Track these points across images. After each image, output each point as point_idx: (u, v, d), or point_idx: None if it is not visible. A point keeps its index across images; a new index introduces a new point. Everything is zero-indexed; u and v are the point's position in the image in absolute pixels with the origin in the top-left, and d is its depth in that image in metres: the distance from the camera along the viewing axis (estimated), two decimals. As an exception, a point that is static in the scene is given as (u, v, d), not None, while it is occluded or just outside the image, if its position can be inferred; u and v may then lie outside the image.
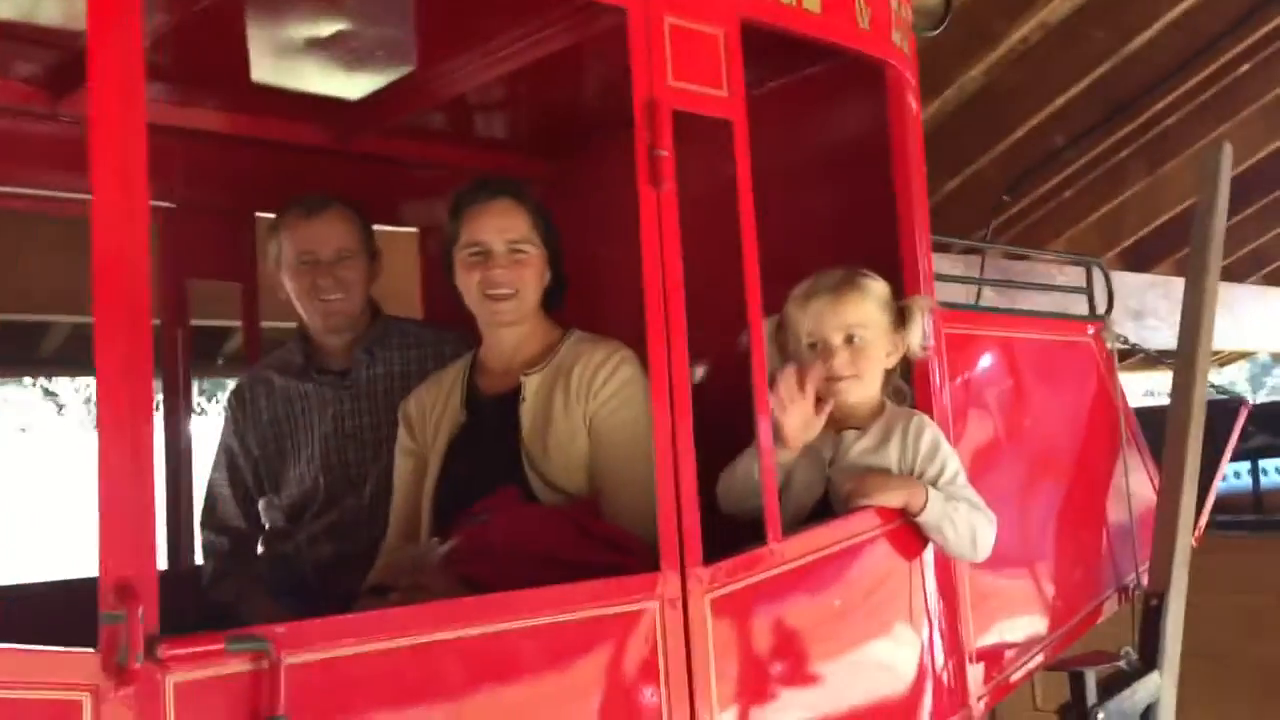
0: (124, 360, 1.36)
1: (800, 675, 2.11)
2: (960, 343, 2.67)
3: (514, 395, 2.34)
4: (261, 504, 2.80)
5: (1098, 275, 3.33)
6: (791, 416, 2.28)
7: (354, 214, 2.75)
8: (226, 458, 2.85)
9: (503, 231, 2.32)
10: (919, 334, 2.42)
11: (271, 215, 2.85)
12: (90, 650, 1.33)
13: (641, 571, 1.91)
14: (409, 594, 1.95)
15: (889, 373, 2.46)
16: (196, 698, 1.39)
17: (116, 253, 1.39)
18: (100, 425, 1.34)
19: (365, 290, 2.77)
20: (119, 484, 1.33)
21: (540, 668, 1.74)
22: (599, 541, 2.08)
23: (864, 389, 2.41)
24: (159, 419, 3.01)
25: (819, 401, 2.32)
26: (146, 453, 1.36)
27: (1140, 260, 8.11)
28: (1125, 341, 3.34)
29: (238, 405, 2.86)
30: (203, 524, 2.84)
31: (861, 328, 2.38)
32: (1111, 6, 5.41)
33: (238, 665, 1.42)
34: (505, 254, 2.31)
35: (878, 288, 2.43)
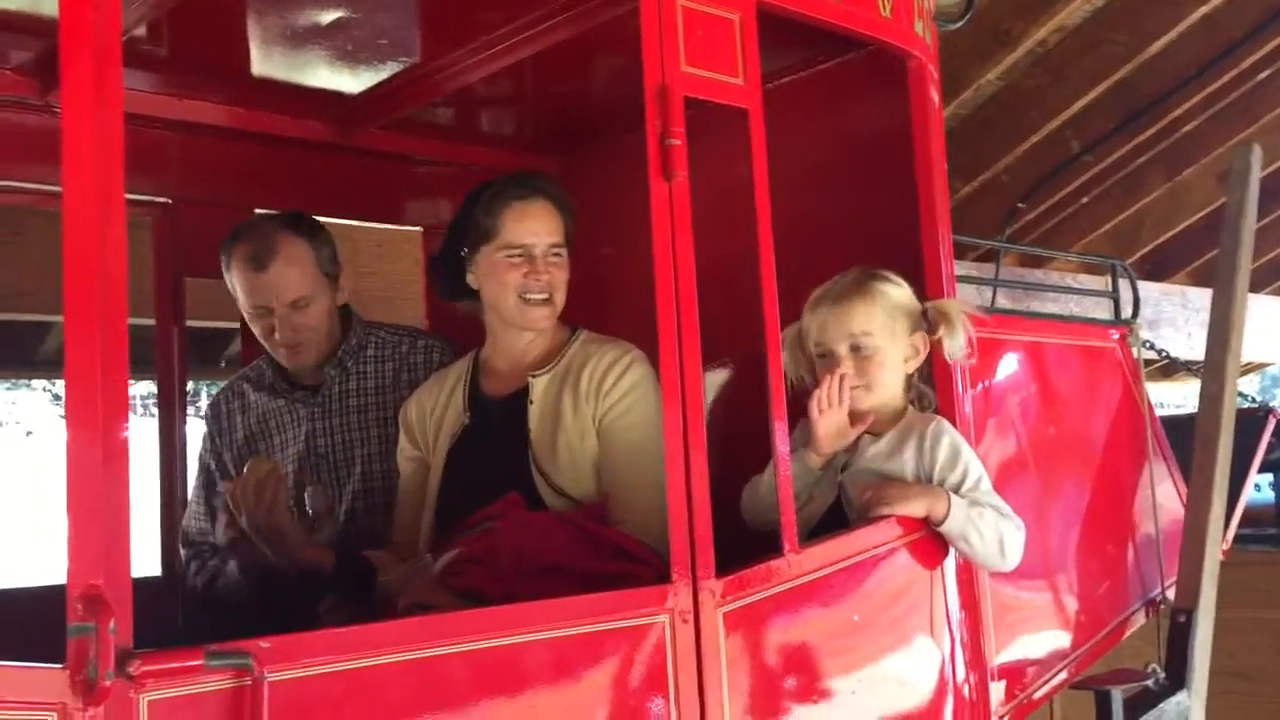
0: (95, 357, 1.27)
1: (816, 692, 2.02)
2: (983, 347, 2.57)
3: (521, 397, 2.26)
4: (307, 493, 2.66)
5: (1123, 278, 3.23)
6: (826, 421, 2.25)
7: (307, 246, 2.56)
8: (204, 476, 2.75)
9: (546, 235, 2.26)
10: (960, 340, 2.33)
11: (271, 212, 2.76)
12: (58, 666, 1.23)
13: (652, 582, 1.82)
14: (408, 612, 1.86)
15: (911, 377, 2.37)
16: (172, 717, 1.30)
17: (87, 247, 1.30)
18: (69, 424, 1.26)
19: (328, 323, 2.62)
20: (89, 486, 1.24)
21: (544, 684, 1.65)
22: (607, 549, 2.00)
23: (874, 397, 2.32)
24: (154, 421, 2.93)
25: (855, 415, 2.28)
26: (120, 454, 1.27)
27: (1155, 269, 7.99)
28: (1151, 346, 3.23)
29: (213, 420, 2.76)
30: (182, 541, 2.74)
31: (867, 336, 2.29)
32: (1131, 10, 5.31)
33: (218, 682, 1.33)
34: (545, 257, 2.25)
35: (891, 292, 2.33)
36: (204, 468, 2.75)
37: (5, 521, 14.75)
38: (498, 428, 2.27)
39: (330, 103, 2.75)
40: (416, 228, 3.33)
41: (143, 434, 3.03)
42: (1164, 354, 3.33)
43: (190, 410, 2.98)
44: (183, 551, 2.73)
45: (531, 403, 2.24)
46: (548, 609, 1.67)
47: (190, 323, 2.92)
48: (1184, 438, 3.15)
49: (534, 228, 2.25)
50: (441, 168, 3.15)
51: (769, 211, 2.00)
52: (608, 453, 2.20)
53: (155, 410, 2.98)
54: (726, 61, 1.94)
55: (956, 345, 2.34)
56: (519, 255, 2.24)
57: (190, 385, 3.05)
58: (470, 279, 2.31)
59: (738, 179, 1.99)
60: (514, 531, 2.00)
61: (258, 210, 2.89)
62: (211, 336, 5.02)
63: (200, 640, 1.35)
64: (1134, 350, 3.14)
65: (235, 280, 2.57)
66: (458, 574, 1.98)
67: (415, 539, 2.30)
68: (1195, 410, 3.17)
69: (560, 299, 2.29)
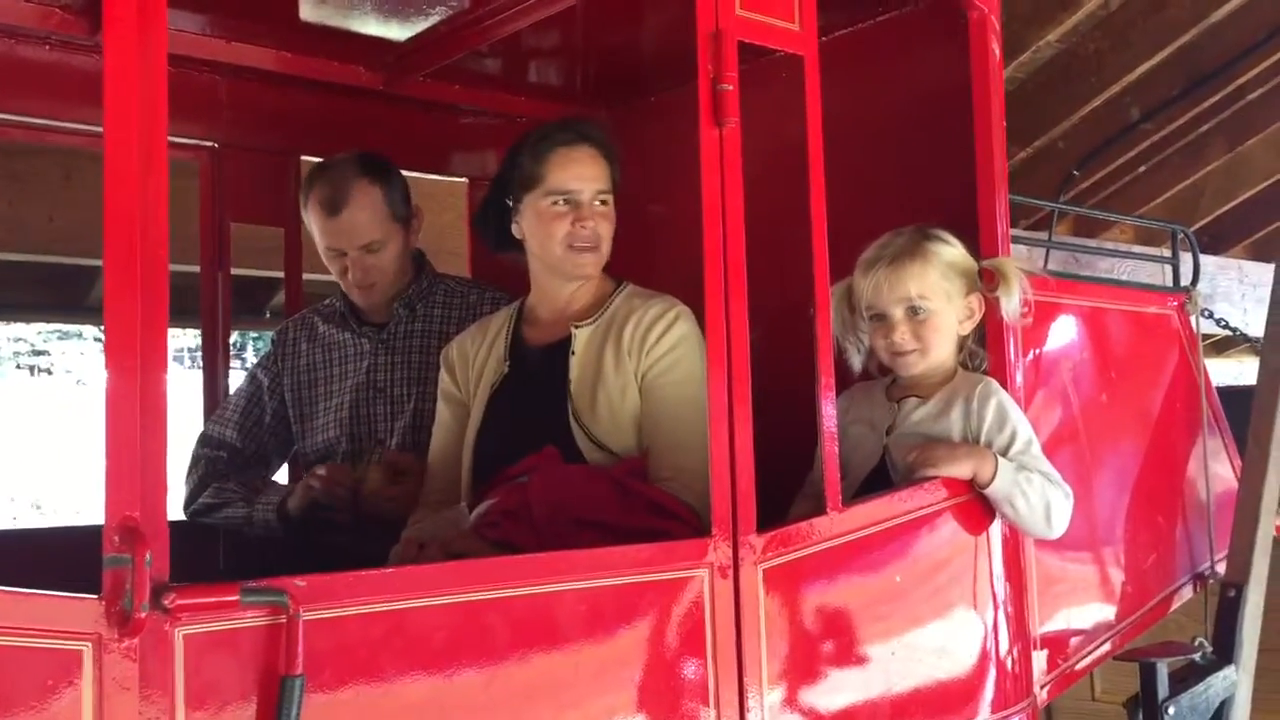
0: (135, 290, 1.26)
1: (855, 654, 2.00)
2: (1038, 311, 2.51)
3: (562, 346, 2.23)
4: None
5: (1183, 246, 3.14)
6: None
7: (380, 191, 2.60)
8: (249, 386, 2.79)
9: (592, 181, 2.22)
10: (1016, 299, 2.28)
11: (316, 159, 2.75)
12: (93, 597, 1.23)
13: (689, 537, 1.79)
14: (438, 558, 1.85)
15: (963, 338, 2.32)
16: (207, 652, 1.30)
17: (128, 188, 1.29)
18: (108, 355, 1.25)
19: (399, 264, 2.69)
20: (127, 417, 1.23)
21: (580, 633, 1.63)
22: (642, 505, 1.97)
23: (930, 361, 2.28)
24: (198, 374, 2.95)
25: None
26: (158, 386, 1.26)
27: (1213, 242, 7.82)
28: (1210, 315, 3.15)
29: (278, 344, 2.83)
30: (199, 440, 2.76)
31: (923, 300, 2.25)
32: (1197, -29, 5.17)
33: (253, 619, 1.33)
34: (592, 205, 2.21)
35: (945, 252, 2.28)
36: (252, 379, 2.80)
37: (56, 470, 15.03)
38: (538, 376, 2.25)
39: (378, 49, 2.72)
40: (462, 179, 3.31)
41: (187, 387, 3.05)
42: (1223, 323, 3.24)
43: (235, 363, 3.00)
44: (194, 449, 2.74)
45: (573, 353, 2.21)
46: (587, 558, 1.66)
47: (235, 271, 2.93)
48: (1240, 411, 3.07)
49: (580, 173, 2.21)
50: (488, 118, 3.13)
51: (822, 163, 1.96)
52: (650, 410, 2.16)
53: (200, 363, 3.00)
54: (783, 6, 1.89)
55: (1012, 305, 2.28)
56: (565, 202, 2.20)
57: (235, 336, 3.06)
58: (515, 229, 2.28)
59: (790, 137, 1.94)
60: (546, 485, 1.99)
61: (303, 157, 2.88)
62: (256, 286, 5.04)
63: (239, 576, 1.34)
64: (1192, 319, 3.06)
65: (311, 222, 2.65)
66: (492, 525, 1.97)
67: (449, 477, 2.29)
68: (1253, 383, 3.09)
69: (607, 248, 2.25)
